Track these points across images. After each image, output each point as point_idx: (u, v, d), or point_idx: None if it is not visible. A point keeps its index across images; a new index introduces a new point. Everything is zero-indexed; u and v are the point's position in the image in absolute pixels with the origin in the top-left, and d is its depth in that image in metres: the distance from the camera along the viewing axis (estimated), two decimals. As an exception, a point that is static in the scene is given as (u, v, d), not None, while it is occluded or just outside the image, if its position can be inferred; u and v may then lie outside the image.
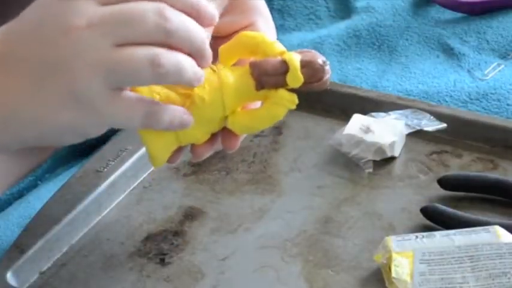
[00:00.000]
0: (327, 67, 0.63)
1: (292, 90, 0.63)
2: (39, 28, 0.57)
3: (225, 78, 0.62)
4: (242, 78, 0.63)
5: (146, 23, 0.56)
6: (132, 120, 0.58)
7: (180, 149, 0.65)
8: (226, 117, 0.64)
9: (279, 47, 0.63)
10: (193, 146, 0.65)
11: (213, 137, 0.65)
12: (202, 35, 0.59)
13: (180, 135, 0.63)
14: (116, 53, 0.56)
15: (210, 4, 0.60)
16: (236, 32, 0.66)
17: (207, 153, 0.66)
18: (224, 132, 0.65)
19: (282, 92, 0.62)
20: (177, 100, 0.61)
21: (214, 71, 0.62)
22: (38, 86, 0.57)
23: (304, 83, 0.62)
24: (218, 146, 0.66)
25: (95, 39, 0.55)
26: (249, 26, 0.66)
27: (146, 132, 0.62)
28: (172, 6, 0.57)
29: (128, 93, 0.58)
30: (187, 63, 0.58)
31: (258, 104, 0.65)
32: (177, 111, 0.60)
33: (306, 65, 0.62)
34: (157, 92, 0.61)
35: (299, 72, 0.61)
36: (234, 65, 0.65)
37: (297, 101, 0.63)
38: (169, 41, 0.57)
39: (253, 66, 0.62)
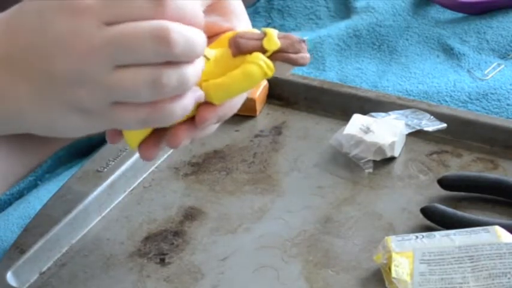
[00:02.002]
0: (304, 45, 0.64)
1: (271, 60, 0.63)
2: (42, 40, 0.57)
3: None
4: (220, 50, 0.63)
5: (146, 49, 0.56)
6: (130, 127, 0.60)
7: (156, 141, 0.63)
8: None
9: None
10: (169, 132, 0.63)
11: (190, 120, 0.63)
12: (204, 42, 0.59)
13: None
14: (116, 76, 0.56)
15: (200, 10, 0.59)
16: (216, 35, 0.65)
17: (185, 139, 0.63)
18: (200, 108, 0.63)
19: (258, 54, 0.62)
20: None
21: None
22: (42, 94, 0.57)
23: (281, 51, 0.62)
24: (195, 132, 0.64)
25: (95, 65, 0.56)
26: (228, 31, 0.66)
27: None
28: (172, 18, 0.57)
29: (126, 106, 0.58)
30: (190, 74, 0.58)
31: None
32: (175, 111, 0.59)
33: (283, 36, 0.63)
34: None
35: (276, 38, 0.62)
36: None
37: (273, 68, 0.62)
38: (173, 59, 0.57)
39: (232, 36, 0.63)
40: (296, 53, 0.63)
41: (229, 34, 0.64)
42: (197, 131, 0.63)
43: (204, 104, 0.62)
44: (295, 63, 0.63)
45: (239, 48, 0.62)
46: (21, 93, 0.58)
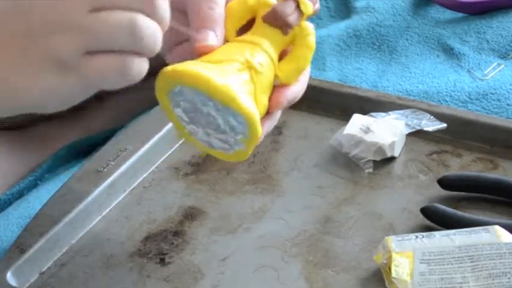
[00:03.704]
0: None
1: None
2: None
3: (258, 39, 0.64)
4: (267, 31, 0.65)
5: None
6: (105, 79, 0.58)
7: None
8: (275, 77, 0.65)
9: None
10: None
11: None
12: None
13: (260, 110, 0.63)
14: (91, 19, 0.56)
15: None
16: None
17: (267, 130, 0.66)
18: (273, 93, 0.65)
19: (306, 24, 0.66)
20: (244, 73, 0.62)
21: (239, 41, 0.64)
22: (20, 53, 0.57)
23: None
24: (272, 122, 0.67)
25: (73, 7, 0.56)
26: None
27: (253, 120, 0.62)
28: None
29: (101, 55, 0.58)
30: (159, 32, 0.58)
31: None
32: (143, 61, 0.59)
33: None
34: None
35: (306, 0, 0.65)
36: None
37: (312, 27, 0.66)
38: (150, 13, 0.57)
39: (271, 16, 0.65)
40: (315, 3, 0.66)
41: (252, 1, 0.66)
42: (273, 120, 0.66)
43: (276, 88, 0.65)
44: (315, 13, 0.66)
45: (290, 25, 0.64)
46: (2, 60, 0.58)
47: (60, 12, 0.56)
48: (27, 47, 0.57)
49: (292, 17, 0.64)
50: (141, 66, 0.58)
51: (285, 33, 0.65)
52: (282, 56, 0.66)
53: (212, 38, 0.64)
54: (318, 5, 0.66)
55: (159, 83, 0.62)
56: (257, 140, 0.62)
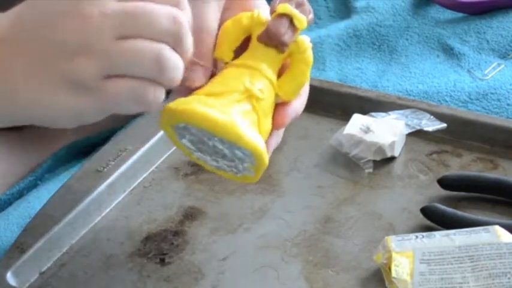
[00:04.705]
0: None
1: None
2: (51, 11, 0.58)
3: (255, 63, 0.64)
4: (263, 51, 0.64)
5: (158, 23, 0.57)
6: (121, 104, 0.59)
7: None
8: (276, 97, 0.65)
9: (264, 13, 0.66)
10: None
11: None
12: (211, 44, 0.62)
13: (263, 135, 0.63)
14: (119, 46, 0.57)
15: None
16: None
17: (274, 146, 0.66)
18: (276, 112, 0.65)
19: (303, 40, 0.65)
20: (245, 103, 0.62)
21: (238, 66, 0.64)
22: (38, 66, 0.58)
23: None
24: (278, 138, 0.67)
25: (102, 29, 0.57)
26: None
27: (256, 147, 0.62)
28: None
29: (120, 79, 0.58)
30: (181, 65, 0.59)
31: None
32: (160, 90, 0.60)
33: (298, 6, 0.65)
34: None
35: (300, 15, 0.64)
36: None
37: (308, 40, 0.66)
38: (176, 45, 0.59)
39: (265, 36, 0.64)
40: (309, 13, 0.65)
41: (243, 16, 0.65)
42: (278, 136, 0.66)
43: (278, 107, 0.65)
44: (309, 24, 0.65)
45: (285, 44, 0.64)
46: (16, 70, 0.58)
47: (86, 35, 0.57)
48: (47, 64, 0.58)
49: (286, 36, 0.64)
50: (158, 95, 0.59)
51: (280, 52, 0.64)
52: (280, 72, 0.66)
53: (200, 76, 0.64)
54: (311, 16, 0.65)
55: (163, 118, 0.62)
56: (264, 167, 0.63)
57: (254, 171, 0.64)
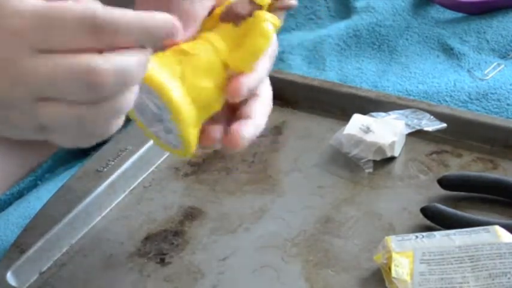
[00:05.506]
0: None
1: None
2: None
3: (205, 34, 0.64)
4: (221, 27, 0.65)
5: (74, 90, 0.51)
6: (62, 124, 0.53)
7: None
8: (226, 67, 0.64)
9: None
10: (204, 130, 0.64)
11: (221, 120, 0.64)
12: (143, 62, 0.54)
13: (190, 91, 0.62)
14: (40, 108, 0.51)
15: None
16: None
17: (251, 135, 0.63)
18: (229, 83, 0.63)
19: (260, 12, 0.64)
20: (171, 59, 0.62)
21: (193, 38, 0.64)
22: None
23: (271, 4, 0.65)
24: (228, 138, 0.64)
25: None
26: None
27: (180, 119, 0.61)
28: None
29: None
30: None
31: None
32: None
33: None
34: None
35: None
36: None
37: (278, 19, 0.65)
38: (105, 96, 0.52)
39: (224, 14, 0.65)
40: None
41: (218, 10, 0.65)
42: (256, 125, 0.64)
43: (231, 78, 0.63)
44: (288, 7, 0.65)
45: (240, 16, 0.64)
46: None
47: (9, 95, 0.51)
48: None
49: (241, 8, 0.64)
50: (108, 122, 0.53)
51: (236, 24, 0.64)
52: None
53: (179, 33, 0.58)
54: (293, 1, 0.65)
55: None
56: (184, 124, 0.61)
57: (180, 137, 0.62)
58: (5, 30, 0.51)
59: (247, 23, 0.64)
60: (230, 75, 0.63)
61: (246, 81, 0.63)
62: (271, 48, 0.66)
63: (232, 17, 0.64)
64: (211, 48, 0.64)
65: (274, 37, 0.65)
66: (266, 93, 0.67)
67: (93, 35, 0.51)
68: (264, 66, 0.65)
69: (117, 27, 0.51)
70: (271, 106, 0.67)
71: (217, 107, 0.64)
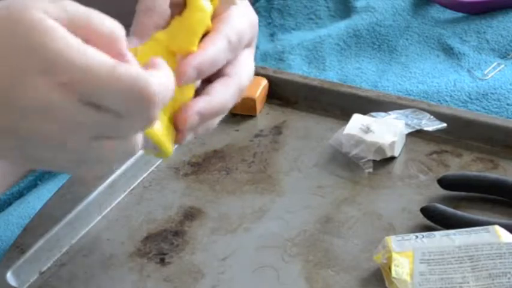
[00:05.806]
0: None
1: None
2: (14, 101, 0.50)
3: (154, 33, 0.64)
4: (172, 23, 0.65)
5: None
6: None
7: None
8: (174, 54, 0.63)
9: None
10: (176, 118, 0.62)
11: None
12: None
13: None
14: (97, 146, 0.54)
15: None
16: None
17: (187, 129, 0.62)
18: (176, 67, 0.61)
19: None
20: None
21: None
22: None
23: None
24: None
25: (76, 136, 0.53)
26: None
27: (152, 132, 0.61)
28: None
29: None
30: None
31: None
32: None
33: None
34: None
35: None
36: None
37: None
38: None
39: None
40: None
41: None
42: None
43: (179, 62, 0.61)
44: None
45: (180, 4, 0.63)
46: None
47: (65, 138, 0.52)
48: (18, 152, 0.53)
49: None
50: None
51: (179, 14, 0.63)
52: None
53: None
54: None
55: None
56: (153, 133, 0.60)
57: (156, 144, 0.61)
58: (57, 80, 0.50)
59: (187, 7, 0.64)
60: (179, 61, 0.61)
61: (191, 61, 0.60)
62: (230, 29, 0.63)
63: (175, 9, 0.64)
64: (153, 43, 0.62)
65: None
66: (241, 74, 0.65)
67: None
68: (216, 44, 0.62)
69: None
70: (246, 85, 0.65)
71: (185, 97, 0.62)
